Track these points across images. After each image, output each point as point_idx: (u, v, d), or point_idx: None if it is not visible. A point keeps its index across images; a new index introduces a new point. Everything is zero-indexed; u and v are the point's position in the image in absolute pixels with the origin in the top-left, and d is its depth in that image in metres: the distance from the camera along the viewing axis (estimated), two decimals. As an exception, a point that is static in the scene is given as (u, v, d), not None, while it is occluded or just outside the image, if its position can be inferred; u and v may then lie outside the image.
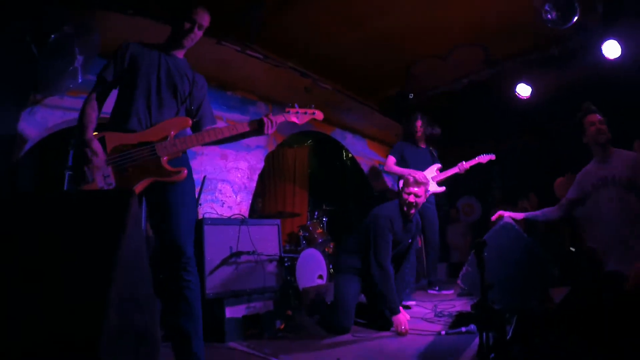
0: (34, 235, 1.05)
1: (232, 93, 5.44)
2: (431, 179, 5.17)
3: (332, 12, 4.36)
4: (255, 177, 5.63)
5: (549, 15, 4.02)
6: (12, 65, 3.41)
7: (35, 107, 3.76)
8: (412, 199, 3.73)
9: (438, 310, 4.05)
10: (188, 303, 2.25)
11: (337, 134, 7.29)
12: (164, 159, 2.28)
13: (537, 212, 3.50)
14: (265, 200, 7.30)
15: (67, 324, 0.93)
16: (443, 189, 5.40)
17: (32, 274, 0.98)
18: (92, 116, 2.29)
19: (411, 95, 6.33)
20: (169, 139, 2.33)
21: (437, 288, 5.33)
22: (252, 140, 5.57)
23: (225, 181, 5.19)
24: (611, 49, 4.60)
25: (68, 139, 3.93)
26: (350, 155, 7.85)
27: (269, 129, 2.54)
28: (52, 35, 3.35)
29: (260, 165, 5.73)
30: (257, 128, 2.55)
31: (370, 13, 4.41)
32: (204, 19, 2.53)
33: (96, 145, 2.17)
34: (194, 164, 4.78)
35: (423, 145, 5.68)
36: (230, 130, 2.51)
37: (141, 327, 1.25)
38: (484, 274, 2.21)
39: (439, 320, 3.72)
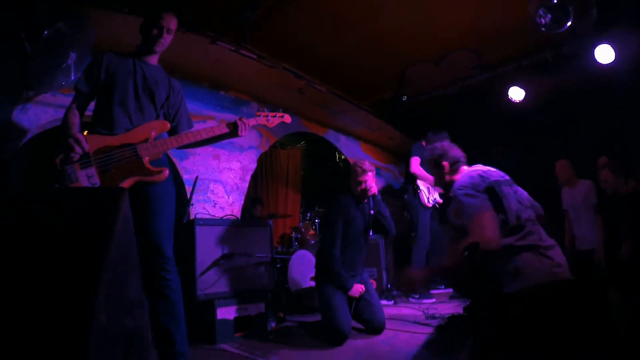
0: (21, 233, 1.03)
1: (225, 93, 5.42)
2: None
3: (327, 14, 4.35)
4: (248, 177, 5.60)
5: (542, 20, 4.02)
6: (4, 61, 3.37)
7: (27, 104, 3.73)
8: (363, 186, 3.77)
9: (430, 312, 4.06)
10: (170, 302, 2.30)
11: (330, 135, 7.29)
12: (146, 159, 2.35)
13: None
14: (263, 205, 7.28)
15: (55, 324, 0.92)
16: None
17: (18, 273, 0.97)
18: (75, 120, 2.35)
19: (405, 98, 6.33)
20: (149, 140, 2.40)
21: (417, 296, 5.17)
22: (245, 141, 5.55)
23: (218, 181, 5.16)
24: (604, 54, 4.62)
25: (60, 137, 3.90)
26: (343, 157, 7.85)
27: (243, 131, 2.67)
28: (46, 32, 3.32)
29: (253, 165, 5.71)
30: (233, 130, 2.67)
31: (365, 16, 4.41)
32: (172, 23, 2.59)
33: (80, 136, 2.22)
34: (186, 164, 4.78)
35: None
36: (208, 132, 2.60)
37: (131, 328, 1.23)
38: (476, 277, 2.20)
39: (431, 323, 3.72)
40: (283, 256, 4.90)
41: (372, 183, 3.80)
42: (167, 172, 2.39)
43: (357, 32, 4.68)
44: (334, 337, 3.30)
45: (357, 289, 3.57)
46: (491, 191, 2.32)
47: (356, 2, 4.18)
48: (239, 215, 5.29)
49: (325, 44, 4.89)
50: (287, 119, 3.02)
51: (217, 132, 2.63)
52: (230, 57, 4.61)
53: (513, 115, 6.18)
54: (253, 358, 2.97)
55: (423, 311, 4.18)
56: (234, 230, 3.93)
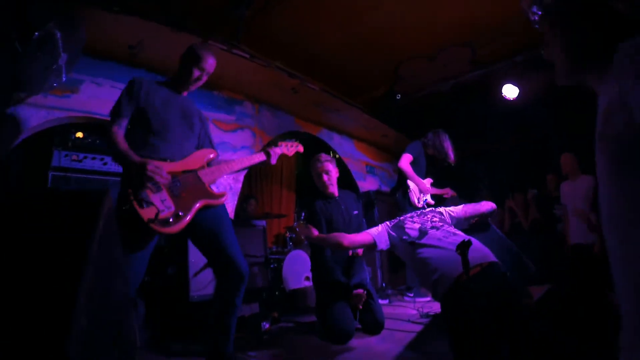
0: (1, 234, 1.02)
1: (219, 93, 5.41)
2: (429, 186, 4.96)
3: (320, 12, 4.34)
4: (241, 178, 5.59)
5: (536, 17, 4.03)
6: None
7: (18, 107, 3.70)
8: (324, 178, 3.72)
9: (424, 311, 4.06)
10: (236, 307, 2.54)
11: (324, 134, 7.29)
12: (207, 184, 2.50)
13: None
14: (257, 201, 7.27)
15: (34, 325, 0.90)
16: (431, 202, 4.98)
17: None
18: (125, 145, 2.36)
19: (399, 96, 6.33)
20: (205, 167, 2.57)
21: (412, 294, 5.12)
22: (238, 141, 5.54)
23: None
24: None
25: (51, 139, 3.88)
26: (337, 156, 7.85)
27: (274, 159, 2.91)
28: (37, 32, 3.28)
29: (247, 166, 5.69)
30: (267, 158, 2.89)
31: (358, 14, 4.41)
32: (212, 66, 2.71)
33: (157, 162, 2.31)
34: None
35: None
36: (250, 160, 2.83)
37: (115, 328, 1.22)
38: (468, 274, 2.20)
39: (425, 322, 3.72)
40: (277, 256, 4.88)
41: (331, 177, 3.76)
42: (226, 195, 2.58)
43: (350, 29, 4.68)
44: (337, 336, 3.21)
45: (359, 296, 3.40)
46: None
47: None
48: (232, 215, 5.27)
49: (318, 41, 4.88)
50: (300, 148, 3.25)
51: (258, 160, 2.85)
52: (222, 57, 4.59)
53: (507, 111, 6.20)
54: (247, 359, 2.96)
55: (417, 310, 4.17)
56: (227, 230, 3.90)
